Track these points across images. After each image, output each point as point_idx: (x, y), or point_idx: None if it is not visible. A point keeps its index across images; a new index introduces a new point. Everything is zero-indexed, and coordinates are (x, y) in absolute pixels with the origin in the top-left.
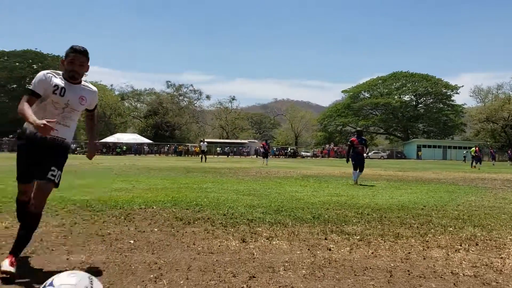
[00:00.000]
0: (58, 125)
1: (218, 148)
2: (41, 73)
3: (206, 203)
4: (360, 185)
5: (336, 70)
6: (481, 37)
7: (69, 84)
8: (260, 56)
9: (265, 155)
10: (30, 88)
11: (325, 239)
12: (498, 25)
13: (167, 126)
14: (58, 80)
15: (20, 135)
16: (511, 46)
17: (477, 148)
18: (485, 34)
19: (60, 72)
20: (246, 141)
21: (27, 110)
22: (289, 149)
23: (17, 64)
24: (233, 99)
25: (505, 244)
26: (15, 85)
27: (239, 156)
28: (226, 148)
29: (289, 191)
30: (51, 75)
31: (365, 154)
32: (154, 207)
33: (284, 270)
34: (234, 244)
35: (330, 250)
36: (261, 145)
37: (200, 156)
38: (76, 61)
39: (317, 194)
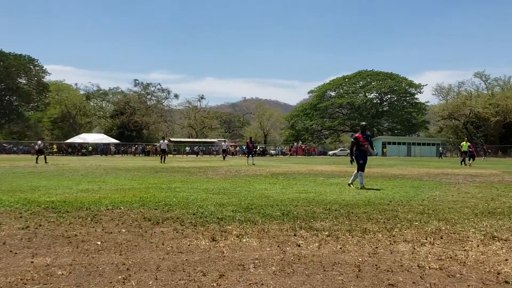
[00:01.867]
0: None
1: (187, 148)
2: None
3: (175, 202)
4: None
5: (304, 69)
6: (443, 36)
7: None
8: (229, 55)
9: (250, 153)
10: None
11: (295, 235)
12: (459, 25)
13: (135, 125)
14: None
15: None
16: (471, 45)
17: (470, 144)
18: (447, 34)
19: None
20: (215, 140)
21: None
22: (258, 148)
23: None
24: (201, 98)
25: (468, 237)
26: None
27: (208, 155)
28: (195, 148)
29: (258, 189)
30: None
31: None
32: (122, 208)
33: (254, 267)
34: (203, 243)
35: (299, 246)
36: (246, 142)
37: (160, 156)
38: None
39: (286, 192)
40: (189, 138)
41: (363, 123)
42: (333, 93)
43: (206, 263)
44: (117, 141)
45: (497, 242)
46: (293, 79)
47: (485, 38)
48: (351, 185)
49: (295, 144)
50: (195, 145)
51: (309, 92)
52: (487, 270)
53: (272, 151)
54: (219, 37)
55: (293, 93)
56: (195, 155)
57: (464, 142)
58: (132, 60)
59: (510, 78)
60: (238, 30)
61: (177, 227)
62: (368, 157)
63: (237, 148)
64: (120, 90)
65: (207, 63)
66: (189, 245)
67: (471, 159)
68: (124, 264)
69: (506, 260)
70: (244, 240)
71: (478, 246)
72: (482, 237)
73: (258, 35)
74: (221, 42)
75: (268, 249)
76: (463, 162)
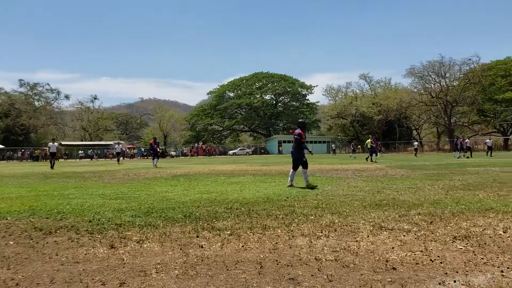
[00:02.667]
0: None
1: (80, 151)
2: None
3: (69, 210)
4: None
5: (203, 70)
6: (332, 41)
7: None
8: (125, 55)
9: (155, 155)
10: None
11: (197, 237)
12: (345, 30)
13: (21, 129)
14: None
15: None
16: (357, 48)
17: (372, 140)
18: (336, 38)
19: None
20: (111, 142)
21: None
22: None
23: None
24: (95, 98)
25: (359, 228)
26: None
27: (104, 159)
28: (89, 151)
29: (159, 192)
30: None
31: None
32: (9, 218)
33: (156, 272)
34: (102, 251)
35: (202, 247)
36: (150, 143)
37: (50, 160)
38: None
39: (187, 193)
40: (82, 141)
41: (301, 120)
42: (231, 94)
43: (105, 272)
44: (1, 146)
45: (384, 232)
46: (193, 80)
47: (368, 42)
48: (293, 185)
49: (196, 144)
50: (89, 148)
51: (208, 93)
52: (377, 258)
53: (172, 153)
54: (113, 35)
55: (193, 93)
56: (90, 159)
57: (369, 139)
58: (16, 59)
59: (390, 79)
60: (132, 29)
61: (72, 235)
62: (268, 155)
63: (135, 151)
64: (4, 91)
65: (102, 61)
66: (86, 254)
67: (375, 154)
68: (13, 280)
69: (393, 248)
70: (145, 246)
71: (368, 236)
72: (371, 228)
73: (153, 34)
74: (116, 40)
75: (170, 253)
76: (368, 158)
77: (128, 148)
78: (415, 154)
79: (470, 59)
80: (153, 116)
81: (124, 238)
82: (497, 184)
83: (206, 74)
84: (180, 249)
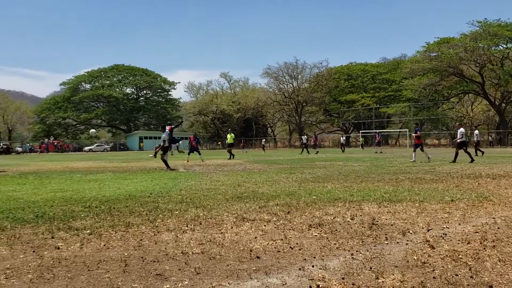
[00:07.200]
0: None
1: None
2: None
3: None
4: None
5: (55, 59)
6: (193, 38)
7: None
8: None
9: None
10: None
11: (52, 237)
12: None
13: None
14: None
15: None
16: (216, 47)
17: (313, 136)
18: (197, 37)
19: None
20: None
21: None
22: (1, 145)
23: None
24: None
25: (223, 221)
26: None
27: None
28: None
29: (4, 191)
30: None
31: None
32: None
33: (6, 278)
34: None
35: (58, 248)
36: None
37: None
38: None
39: (38, 192)
40: None
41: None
42: (88, 86)
43: None
44: None
45: (247, 223)
46: (41, 69)
47: (229, 42)
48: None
49: (46, 140)
50: None
51: (61, 84)
52: (242, 248)
53: (19, 148)
54: None
55: (42, 84)
56: None
57: (229, 135)
58: None
59: (248, 79)
60: None
61: None
62: (129, 151)
63: None
64: None
65: None
66: None
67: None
68: None
69: (256, 238)
70: None
71: (232, 228)
72: (234, 220)
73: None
74: None
75: (21, 256)
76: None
77: None
78: (263, 150)
79: (321, 63)
80: None
81: None
82: (342, 176)
83: (56, 64)
84: (33, 251)
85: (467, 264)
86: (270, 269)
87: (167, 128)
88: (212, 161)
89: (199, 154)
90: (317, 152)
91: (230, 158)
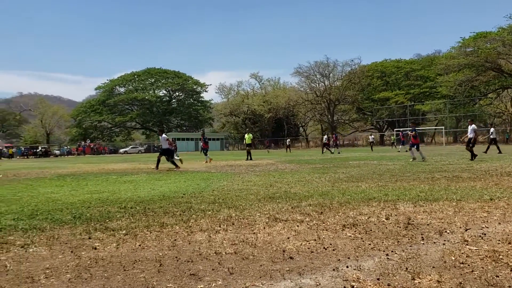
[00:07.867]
0: None
1: None
2: None
3: None
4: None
5: (90, 64)
6: (221, 39)
7: None
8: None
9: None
10: None
11: (89, 238)
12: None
13: None
14: None
15: None
16: (249, 48)
17: (333, 136)
18: (229, 37)
19: None
20: None
21: None
22: (40, 148)
23: None
24: None
25: (255, 221)
26: None
27: None
28: None
29: (43, 193)
30: None
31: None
32: None
33: (46, 277)
34: None
35: (95, 249)
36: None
37: None
38: None
39: (76, 193)
40: None
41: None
42: (122, 89)
43: None
44: None
45: (279, 223)
46: (77, 74)
47: (258, 42)
48: None
49: (83, 143)
50: None
51: (96, 88)
52: (275, 249)
53: (56, 152)
54: None
55: (78, 89)
56: None
57: (246, 135)
58: None
59: (279, 79)
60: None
61: None
62: None
63: (14, 149)
64: None
65: None
66: None
67: (336, 147)
68: None
69: (288, 238)
70: (30, 250)
71: (264, 228)
72: (267, 220)
73: (29, 23)
74: None
75: (60, 256)
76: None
77: (6, 147)
78: (289, 150)
79: (352, 61)
80: (34, 112)
81: (5, 244)
82: (376, 175)
83: (93, 68)
84: (71, 251)
85: (508, 265)
86: (304, 269)
87: (164, 135)
88: (244, 162)
89: (205, 154)
90: (339, 152)
91: (247, 159)
